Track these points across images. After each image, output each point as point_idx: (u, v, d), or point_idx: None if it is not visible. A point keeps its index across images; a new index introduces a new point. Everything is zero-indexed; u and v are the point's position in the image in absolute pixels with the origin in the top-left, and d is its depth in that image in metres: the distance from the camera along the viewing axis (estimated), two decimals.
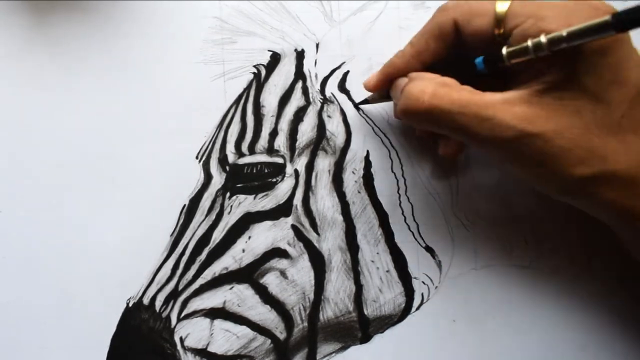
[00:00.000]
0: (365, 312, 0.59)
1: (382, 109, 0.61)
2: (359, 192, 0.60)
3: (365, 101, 0.60)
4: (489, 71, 0.49)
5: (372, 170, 0.60)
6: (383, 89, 0.56)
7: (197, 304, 0.58)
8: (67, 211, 0.59)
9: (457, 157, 0.60)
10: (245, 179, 0.59)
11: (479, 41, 0.49)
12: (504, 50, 0.46)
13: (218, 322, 0.58)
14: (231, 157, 0.60)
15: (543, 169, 0.47)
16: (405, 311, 0.59)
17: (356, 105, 0.61)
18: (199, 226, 0.59)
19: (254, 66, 0.61)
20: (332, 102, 0.61)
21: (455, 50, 0.52)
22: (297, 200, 0.59)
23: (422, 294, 0.59)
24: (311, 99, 0.61)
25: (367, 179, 0.60)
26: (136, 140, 0.60)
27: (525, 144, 0.45)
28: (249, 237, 0.59)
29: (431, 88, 0.48)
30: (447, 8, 0.51)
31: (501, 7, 0.47)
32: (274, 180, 0.60)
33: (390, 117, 0.60)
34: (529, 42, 0.44)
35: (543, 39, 0.44)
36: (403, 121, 0.52)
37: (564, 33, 0.43)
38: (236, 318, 0.58)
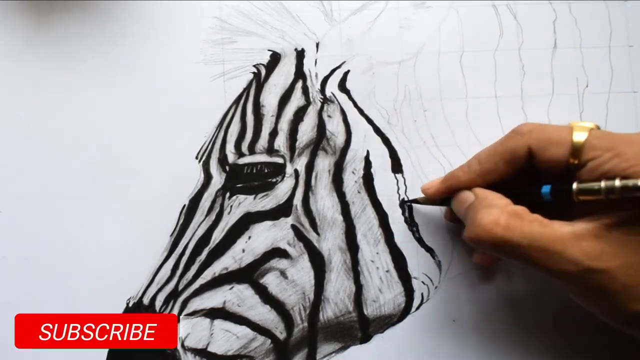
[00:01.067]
0: (365, 312, 0.59)
1: (382, 109, 0.61)
2: (358, 192, 0.60)
3: (416, 201, 0.60)
4: (555, 201, 0.49)
5: (372, 170, 0.60)
6: (442, 197, 0.56)
7: (197, 304, 0.58)
8: (67, 211, 0.59)
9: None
10: (245, 179, 0.59)
11: (551, 169, 0.49)
12: (574, 186, 0.46)
13: (218, 322, 0.58)
14: (231, 157, 0.60)
15: (604, 302, 0.46)
16: (405, 311, 0.59)
17: (406, 202, 0.61)
18: (198, 226, 0.59)
19: (254, 66, 0.61)
20: (332, 101, 0.61)
21: (521, 173, 0.51)
22: (297, 200, 0.59)
23: (422, 294, 0.59)
24: (311, 99, 0.61)
25: (367, 179, 0.60)
26: (136, 140, 0.60)
27: (589, 279, 0.45)
28: (249, 237, 0.59)
29: (504, 220, 0.47)
30: (522, 132, 0.50)
31: (578, 137, 0.47)
32: (274, 180, 0.59)
33: (390, 117, 0.60)
34: (602, 184, 0.44)
35: (617, 183, 0.44)
36: (468, 244, 0.51)
37: None
38: (236, 318, 0.58)
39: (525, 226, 0.46)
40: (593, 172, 0.46)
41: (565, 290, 0.49)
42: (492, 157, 0.52)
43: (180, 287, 0.58)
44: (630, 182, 0.43)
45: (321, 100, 0.61)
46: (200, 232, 0.59)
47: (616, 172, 0.44)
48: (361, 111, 0.61)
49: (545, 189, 0.49)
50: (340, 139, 0.60)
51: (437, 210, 0.60)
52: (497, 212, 0.47)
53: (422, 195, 0.59)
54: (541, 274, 0.47)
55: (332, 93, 0.61)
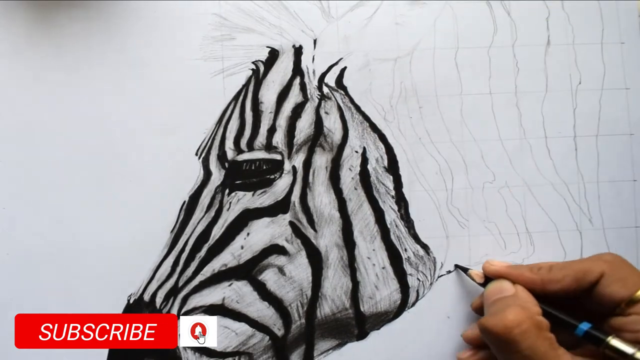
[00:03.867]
0: (362, 309, 0.59)
1: (378, 105, 0.61)
2: (355, 188, 0.60)
3: (464, 270, 0.60)
4: (586, 339, 0.50)
5: (368, 167, 0.60)
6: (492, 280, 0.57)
7: (196, 300, 0.58)
8: (68, 208, 0.59)
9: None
10: (244, 175, 0.59)
11: (602, 303, 0.50)
12: (611, 341, 0.48)
13: (217, 319, 0.58)
14: (230, 154, 0.60)
15: None
16: (401, 308, 0.60)
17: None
18: (198, 223, 0.59)
19: (253, 62, 0.61)
20: (329, 98, 0.61)
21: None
22: (295, 197, 0.59)
23: (417, 291, 0.60)
24: (309, 95, 0.61)
25: (364, 176, 0.60)
26: (136, 137, 0.60)
27: None
28: (248, 234, 0.59)
29: (526, 326, 0.48)
30: (603, 259, 0.52)
31: None
32: (272, 176, 0.60)
33: (386, 114, 0.61)
34: (638, 355, 0.46)
35: None
36: (479, 328, 0.52)
37: None
38: (235, 315, 0.58)
39: (539, 340, 0.47)
40: (635, 325, 0.48)
41: None
42: (565, 269, 0.53)
43: (180, 283, 0.58)
44: None
45: (318, 97, 0.61)
46: (200, 229, 0.59)
47: None
48: (358, 108, 0.61)
49: (583, 326, 0.50)
50: (337, 136, 0.60)
51: (433, 208, 0.60)
52: (524, 316, 0.48)
53: (473, 268, 0.59)
54: None
55: (329, 90, 0.61)
